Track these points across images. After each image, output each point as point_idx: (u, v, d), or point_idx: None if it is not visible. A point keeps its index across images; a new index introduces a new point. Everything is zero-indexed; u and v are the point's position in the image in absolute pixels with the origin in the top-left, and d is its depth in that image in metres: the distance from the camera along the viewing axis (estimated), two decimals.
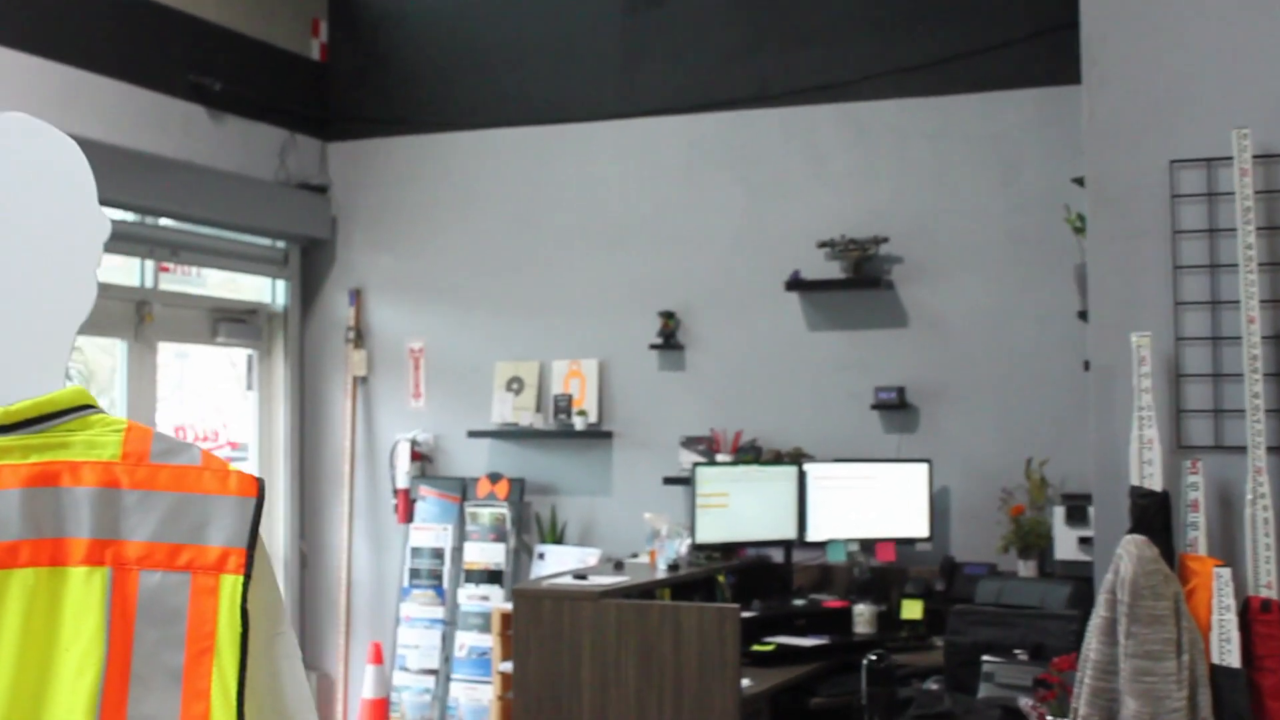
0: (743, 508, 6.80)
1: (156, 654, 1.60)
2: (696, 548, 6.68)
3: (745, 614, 6.38)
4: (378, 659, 8.06)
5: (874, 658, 3.81)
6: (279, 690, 1.70)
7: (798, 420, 7.40)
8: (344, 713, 8.19)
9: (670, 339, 7.67)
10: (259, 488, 1.69)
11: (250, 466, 8.39)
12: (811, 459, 7.14)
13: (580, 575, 5.93)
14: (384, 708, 7.93)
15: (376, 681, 8.02)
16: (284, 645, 1.72)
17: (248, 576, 1.64)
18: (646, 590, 6.15)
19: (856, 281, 7.27)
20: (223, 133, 7.82)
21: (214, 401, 8.41)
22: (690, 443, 7.54)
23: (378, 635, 8.17)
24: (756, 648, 6.15)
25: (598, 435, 7.79)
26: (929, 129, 7.32)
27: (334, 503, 8.44)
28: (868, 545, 6.94)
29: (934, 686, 4.74)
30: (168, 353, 7.95)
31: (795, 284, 7.35)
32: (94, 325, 7.60)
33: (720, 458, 7.33)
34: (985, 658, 4.21)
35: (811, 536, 6.95)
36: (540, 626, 5.57)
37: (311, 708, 1.74)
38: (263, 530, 1.68)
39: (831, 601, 6.82)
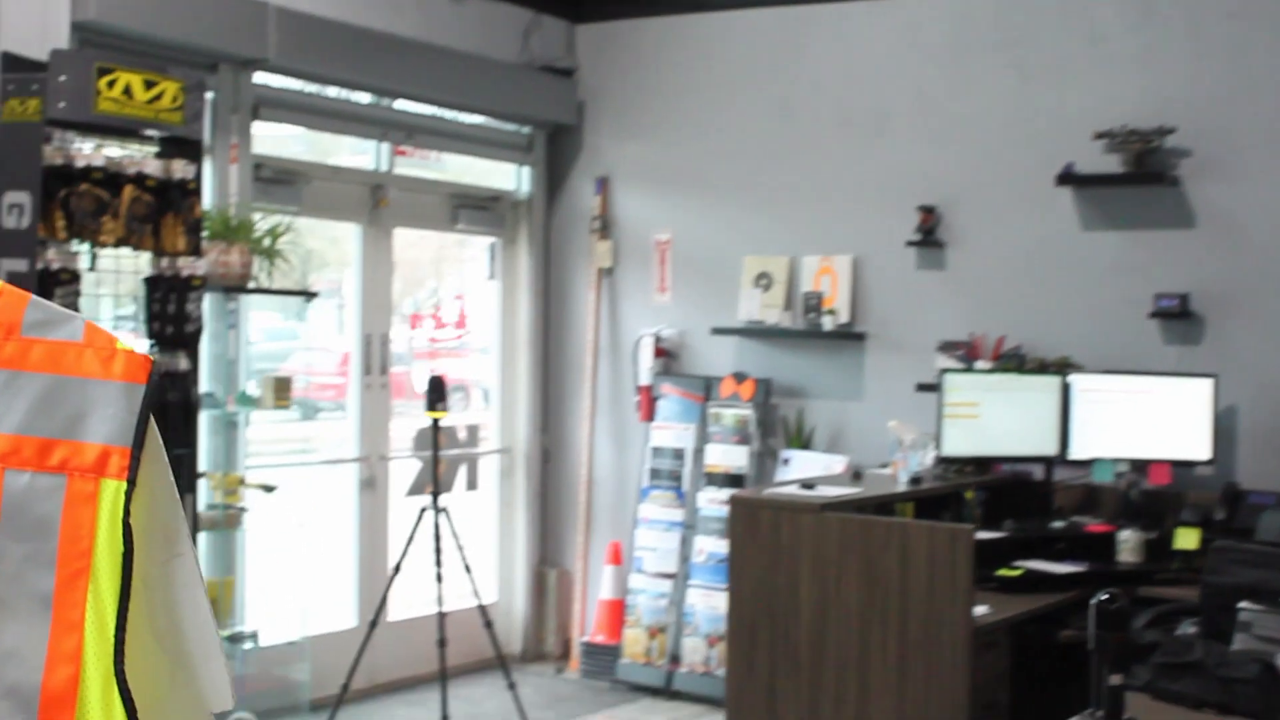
0: (995, 419, 6.23)
1: (21, 574, 1.26)
2: (942, 460, 6.16)
3: (994, 535, 5.85)
4: (616, 559, 7.81)
5: (1105, 597, 3.28)
6: (176, 627, 1.35)
7: (1066, 327, 6.75)
8: (582, 612, 7.98)
9: (930, 235, 7.10)
10: (150, 371, 1.32)
11: (493, 358, 8.21)
12: (1079, 369, 6.51)
13: (808, 485, 5.50)
14: (620, 610, 7.68)
15: (614, 582, 7.77)
16: (183, 571, 1.37)
17: (131, 482, 1.27)
18: (882, 504, 5.68)
19: (1137, 176, 6.55)
20: (463, 13, 7.54)
21: (454, 290, 8.23)
22: (947, 347, 6.98)
23: (617, 535, 7.91)
24: (1003, 572, 5.63)
25: (849, 336, 7.30)
26: (1228, 6, 6.51)
27: (576, 397, 8.18)
28: (1139, 466, 6.29)
29: (1190, 630, 4.16)
30: (405, 239, 7.78)
31: (1068, 178, 6.68)
32: (328, 208, 7.53)
33: (979, 365, 6.76)
34: (1243, 604, 3.62)
35: (1075, 454, 6.35)
36: (758, 538, 5.17)
37: (218, 650, 1.38)
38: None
39: (1094, 525, 6.22)
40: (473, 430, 8.23)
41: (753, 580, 5.17)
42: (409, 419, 7.88)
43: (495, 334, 8.19)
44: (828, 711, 5.00)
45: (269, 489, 6.22)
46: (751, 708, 5.18)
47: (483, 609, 6.41)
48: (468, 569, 6.31)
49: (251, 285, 6.09)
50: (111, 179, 5.37)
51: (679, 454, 7.63)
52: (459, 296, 8.07)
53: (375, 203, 7.37)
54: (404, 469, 7.76)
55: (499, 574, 8.18)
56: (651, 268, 7.94)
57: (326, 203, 7.16)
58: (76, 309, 5.35)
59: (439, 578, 6.14)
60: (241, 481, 6.09)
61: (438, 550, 6.17)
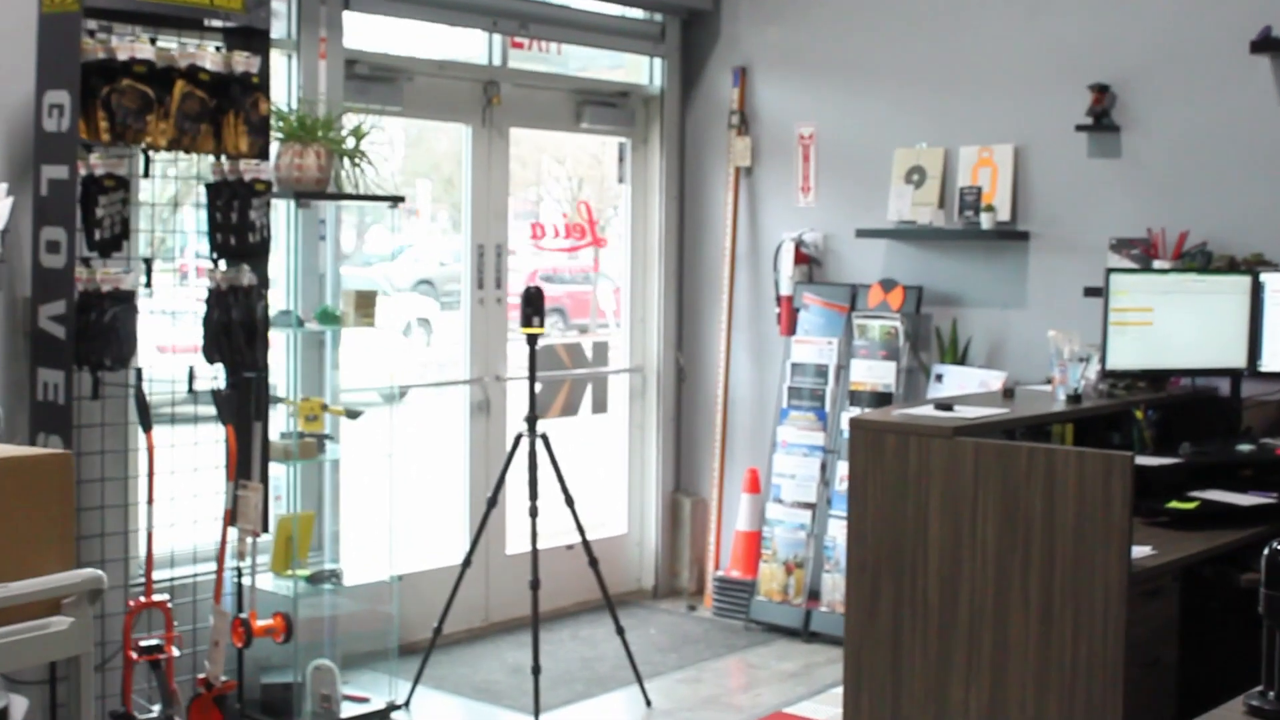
0: (1172, 327, 5.40)
1: None
2: (1108, 375, 5.36)
3: (1167, 461, 5.06)
4: (753, 487, 7.16)
5: (1278, 546, 2.55)
6: None
7: (1260, 220, 5.86)
8: (717, 543, 7.36)
9: (1102, 119, 6.23)
10: None
11: (622, 270, 7.58)
12: (1274, 268, 5.62)
13: (944, 405, 4.77)
14: (756, 542, 7.03)
15: (751, 512, 7.13)
16: None
17: None
18: (1035, 427, 4.93)
19: None
20: None
21: (580, 195, 7.62)
22: (1121, 246, 6.14)
23: (755, 461, 7.25)
24: (1175, 505, 4.83)
25: (1010, 236, 6.48)
26: None
27: (712, 310, 7.52)
28: None
29: None
30: (522, 140, 7.18)
31: (1266, 44, 5.75)
32: (433, 108, 6.94)
33: (1158, 264, 5.90)
34: None
35: (1267, 366, 5.50)
36: (881, 466, 4.47)
37: None
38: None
39: None
40: (600, 348, 7.63)
41: (876, 516, 4.47)
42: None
43: (625, 243, 7.56)
44: (959, 666, 4.31)
45: (353, 415, 5.71)
46: (873, 661, 4.50)
47: (587, 545, 5.85)
48: (569, 502, 5.73)
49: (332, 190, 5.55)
50: (161, 74, 4.86)
51: (821, 371, 6.93)
52: (584, 203, 7.45)
53: (488, 101, 6.77)
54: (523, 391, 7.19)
55: (630, 503, 7.60)
56: (793, 165, 7.21)
57: (432, 102, 6.59)
58: (124, 219, 4.87)
59: (533, 511, 5.56)
60: (323, 407, 5.58)
61: (533, 482, 5.59)
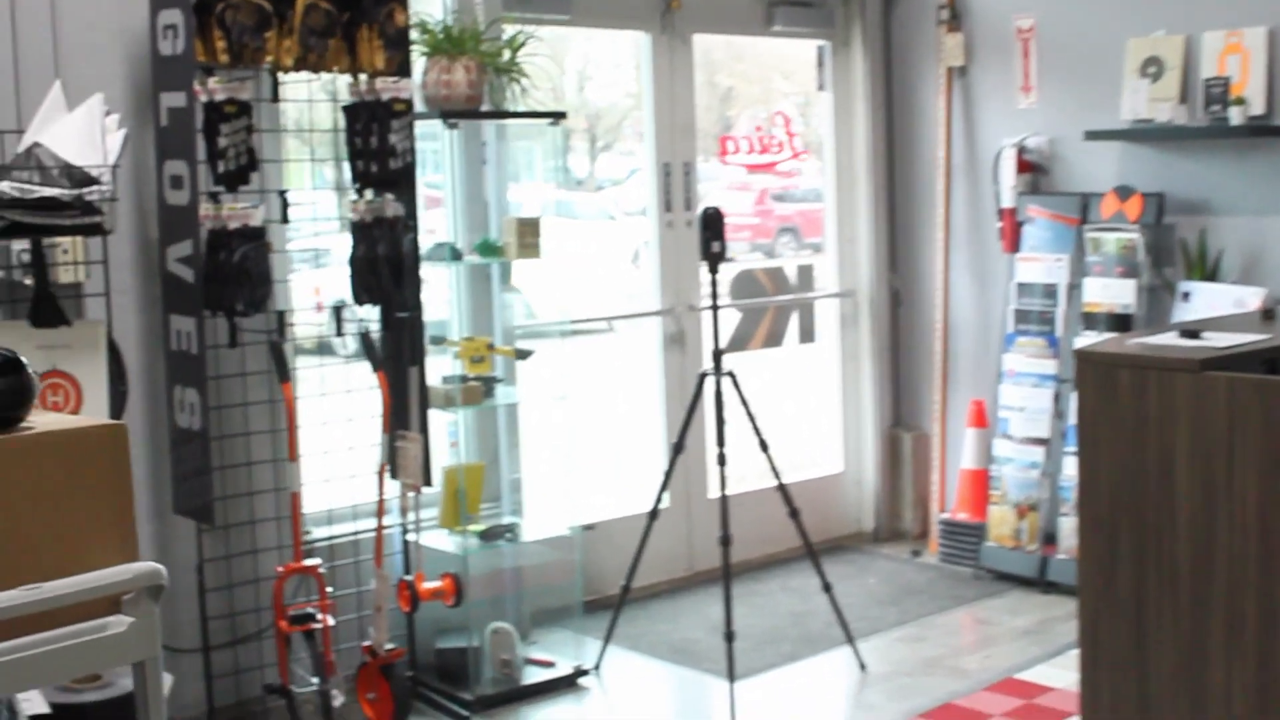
0: None
1: None
2: None
3: None
4: (979, 421, 6.45)
5: None
6: None
7: None
8: (941, 481, 6.68)
9: None
10: None
11: (828, 183, 6.91)
12: None
13: (1190, 332, 4.00)
14: (984, 481, 6.33)
15: (977, 449, 6.43)
16: None
17: None
18: None
19: None
20: None
21: (774, 107, 6.95)
22: None
23: (979, 392, 6.54)
24: None
25: (1265, 132, 5.61)
26: None
27: (927, 227, 6.80)
28: None
29: None
30: (708, 47, 6.55)
31: None
32: (606, 15, 6.33)
33: None
34: None
35: None
36: (1115, 407, 3.75)
37: None
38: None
39: None
40: (805, 272, 6.99)
41: (1111, 465, 3.77)
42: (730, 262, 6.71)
43: (829, 157, 6.88)
44: (1217, 645, 3.59)
45: (523, 355, 5.20)
46: (1112, 634, 3.81)
47: (785, 494, 5.23)
48: (763, 446, 5.13)
49: (486, 108, 5.02)
50: None
51: (1050, 291, 6.16)
52: (780, 114, 6.79)
53: (666, 5, 6.15)
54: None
55: (846, 439, 6.96)
56: (1013, 62, 6.41)
57: (604, 8, 6.01)
58: (250, 149, 4.42)
59: (721, 459, 4.98)
60: (490, 347, 5.09)
61: (720, 426, 5.01)
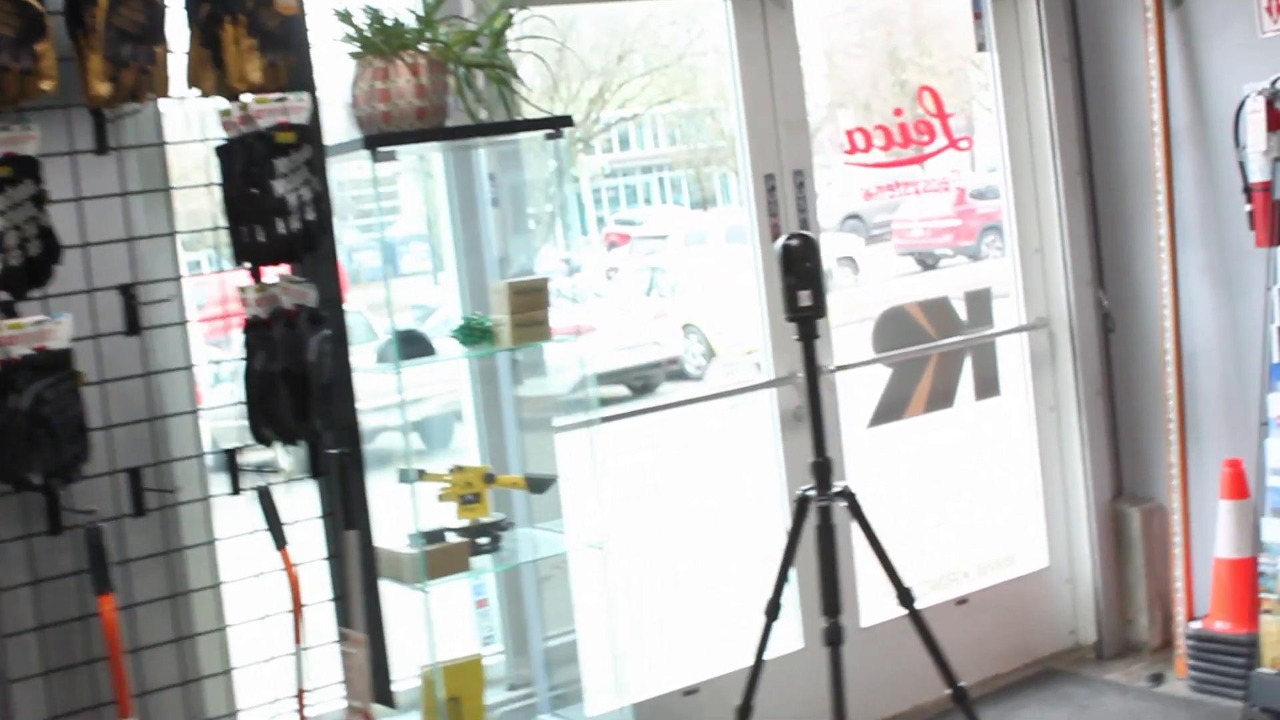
0: None
1: None
2: None
3: None
4: (1237, 489, 4.58)
5: None
6: None
7: None
8: (1187, 575, 4.79)
9: None
10: None
11: (1001, 177, 5.10)
12: None
13: None
14: (1249, 576, 4.46)
15: (1236, 530, 4.55)
16: None
17: None
18: None
19: None
20: None
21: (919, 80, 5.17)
22: None
23: (1236, 447, 4.66)
24: None
25: None
26: None
27: (1142, 219, 4.94)
28: None
29: None
30: (812, 9, 4.82)
31: None
32: None
33: None
34: None
35: None
36: None
37: None
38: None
39: None
40: (979, 301, 5.17)
41: None
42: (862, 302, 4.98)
43: (998, 139, 5.07)
44: None
45: (540, 485, 3.54)
46: None
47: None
48: (905, 599, 3.40)
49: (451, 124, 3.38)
50: None
51: None
52: (928, 89, 4.99)
53: None
54: (864, 383, 4.84)
55: (1050, 520, 5.13)
56: None
57: None
58: (44, 231, 2.86)
59: (832, 636, 3.26)
60: (488, 479, 3.45)
61: (828, 579, 3.29)
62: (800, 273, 3.30)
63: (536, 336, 3.39)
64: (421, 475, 3.43)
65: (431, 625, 3.24)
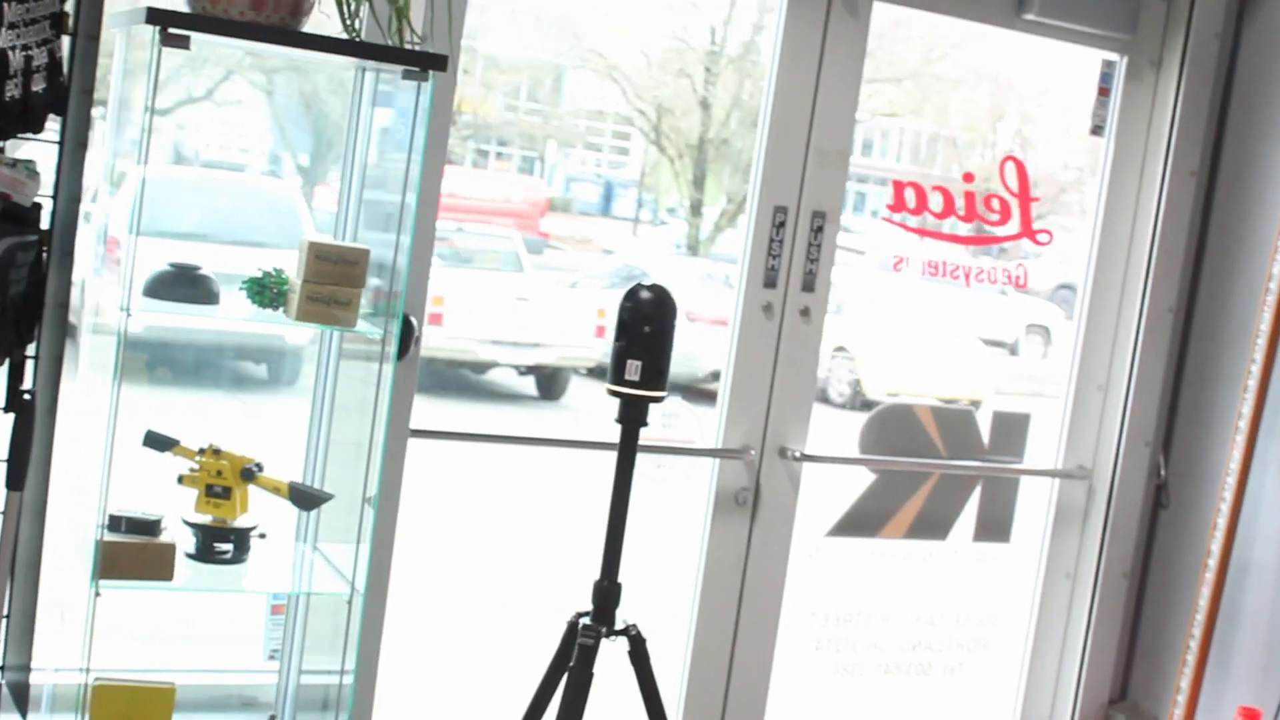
0: None
1: None
2: None
3: None
4: None
5: None
6: None
7: None
8: None
9: None
10: None
11: (1079, 289, 4.21)
12: None
13: None
14: None
15: None
16: None
17: None
18: None
19: None
20: None
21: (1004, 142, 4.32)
22: None
23: (1261, 693, 3.72)
24: None
25: None
26: None
27: (1228, 388, 4.01)
28: None
29: None
30: (891, 26, 4.00)
31: None
32: None
33: None
34: None
35: None
36: None
37: None
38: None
39: None
40: (1012, 425, 4.28)
41: None
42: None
43: (1087, 242, 4.17)
44: None
45: (307, 501, 2.80)
46: None
47: None
48: None
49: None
50: None
51: None
52: (1013, 160, 4.11)
53: None
54: (836, 482, 4.00)
55: (1024, 707, 4.23)
56: None
57: None
58: None
59: None
60: (251, 474, 2.74)
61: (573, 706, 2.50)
62: (635, 337, 2.51)
63: (329, 319, 2.65)
64: (174, 446, 2.74)
65: (91, 635, 2.54)
